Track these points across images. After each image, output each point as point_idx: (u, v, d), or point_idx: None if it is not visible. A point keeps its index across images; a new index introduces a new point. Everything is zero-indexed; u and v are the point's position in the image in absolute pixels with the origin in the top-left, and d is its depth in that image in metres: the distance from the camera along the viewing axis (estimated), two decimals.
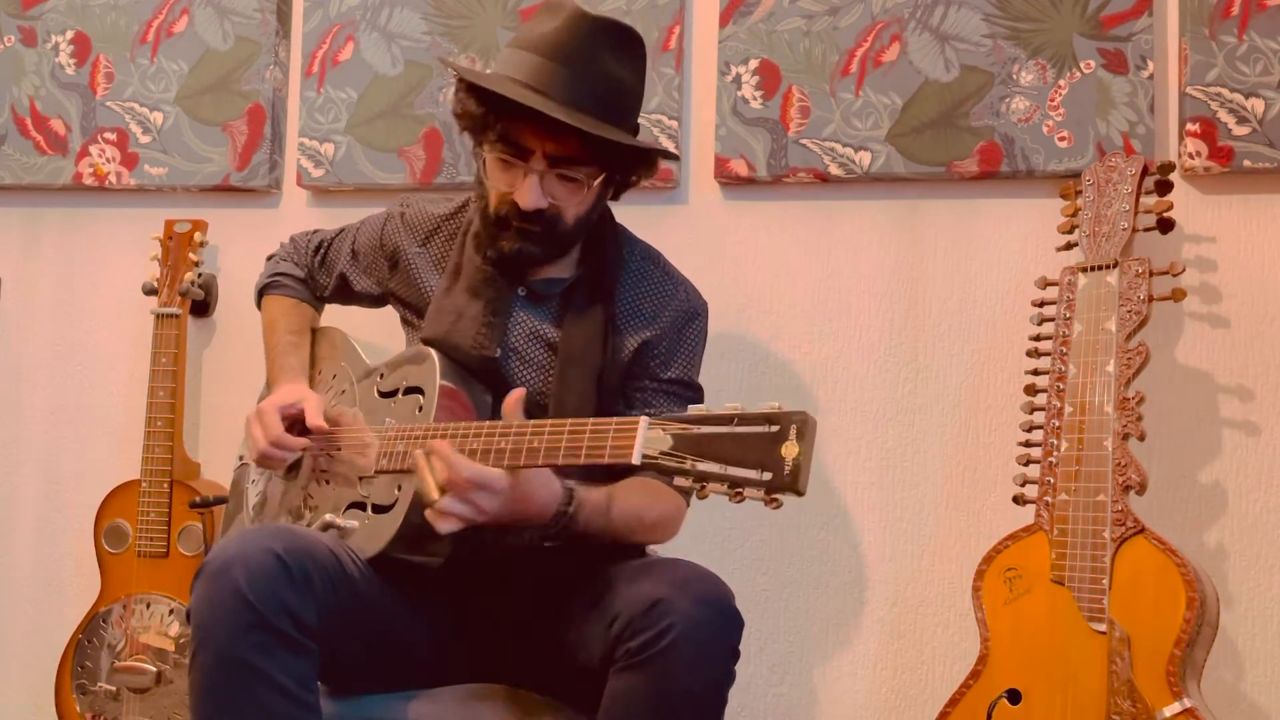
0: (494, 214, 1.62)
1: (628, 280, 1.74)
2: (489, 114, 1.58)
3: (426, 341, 1.66)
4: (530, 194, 1.57)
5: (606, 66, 1.58)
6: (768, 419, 1.23)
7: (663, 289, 1.75)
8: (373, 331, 1.99)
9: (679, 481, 1.27)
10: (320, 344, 1.88)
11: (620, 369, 1.69)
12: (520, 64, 1.58)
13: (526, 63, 1.57)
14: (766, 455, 1.22)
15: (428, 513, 1.40)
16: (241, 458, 1.91)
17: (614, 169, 1.63)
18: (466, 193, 1.81)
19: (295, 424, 1.68)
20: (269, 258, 1.98)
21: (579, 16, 1.58)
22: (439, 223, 1.79)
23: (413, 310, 1.78)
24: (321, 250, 1.92)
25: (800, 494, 1.21)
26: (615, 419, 1.34)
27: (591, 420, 1.37)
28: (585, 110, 1.54)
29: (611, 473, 1.62)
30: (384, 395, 1.66)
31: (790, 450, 1.21)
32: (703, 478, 1.25)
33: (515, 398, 1.43)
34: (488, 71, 1.64)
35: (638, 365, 1.71)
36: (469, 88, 1.61)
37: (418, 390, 1.61)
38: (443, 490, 1.38)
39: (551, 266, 1.71)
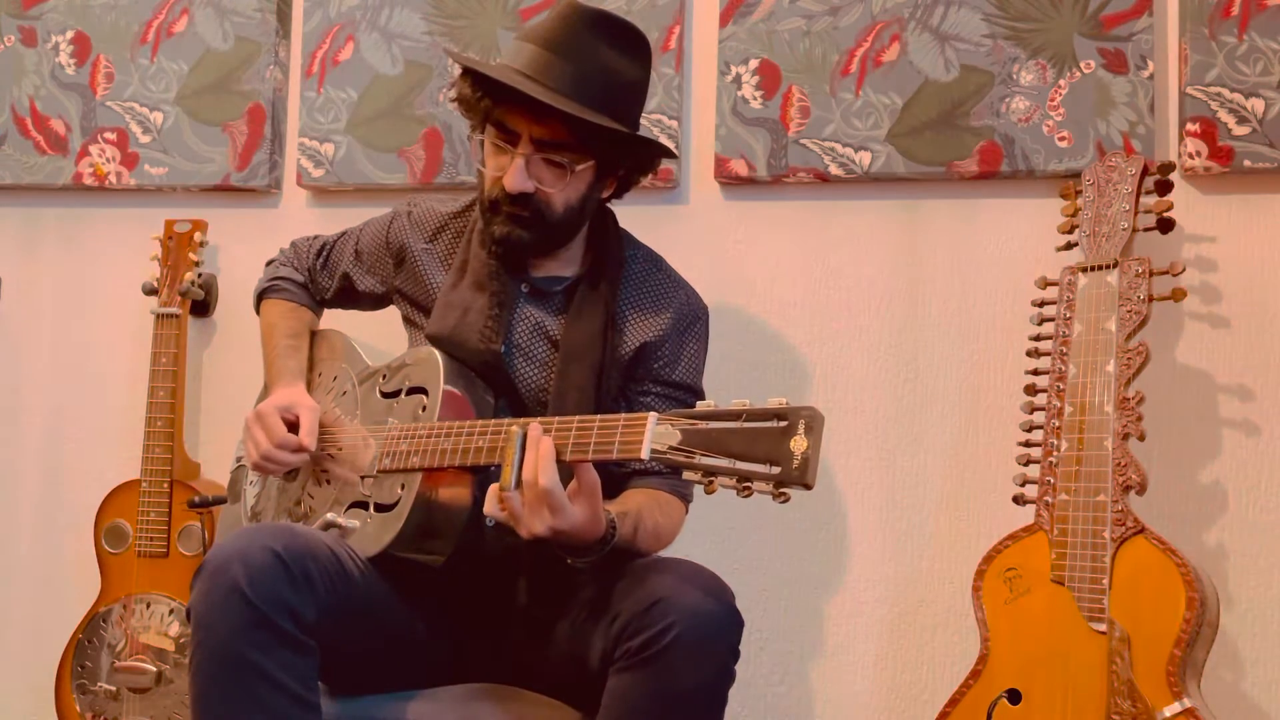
0: (487, 199, 1.65)
1: (630, 280, 1.75)
2: (480, 97, 1.62)
3: (432, 337, 1.67)
4: (515, 176, 1.60)
5: (601, 57, 1.60)
6: (776, 414, 1.24)
7: (664, 291, 1.76)
8: (373, 334, 1.99)
9: (688, 475, 1.28)
10: (319, 346, 1.88)
11: (620, 367, 1.70)
12: (518, 53, 1.62)
13: (523, 52, 1.62)
14: (775, 449, 1.23)
15: (491, 488, 1.39)
16: (239, 459, 1.90)
17: (603, 158, 1.65)
18: (473, 193, 1.82)
19: (294, 429, 1.67)
20: (268, 263, 1.99)
21: (573, 7, 1.62)
22: (446, 220, 1.80)
23: (418, 307, 1.78)
24: (324, 252, 1.92)
25: (809, 487, 1.23)
26: (623, 414, 1.35)
27: (599, 416, 1.38)
28: (574, 97, 1.57)
29: (618, 468, 1.63)
30: (386, 396, 1.67)
31: (799, 444, 1.22)
32: (711, 472, 1.26)
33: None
34: (493, 63, 1.68)
35: (640, 367, 1.71)
36: (464, 73, 1.66)
37: (421, 390, 1.61)
38: (517, 483, 1.37)
39: (554, 263, 1.72)
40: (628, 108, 1.66)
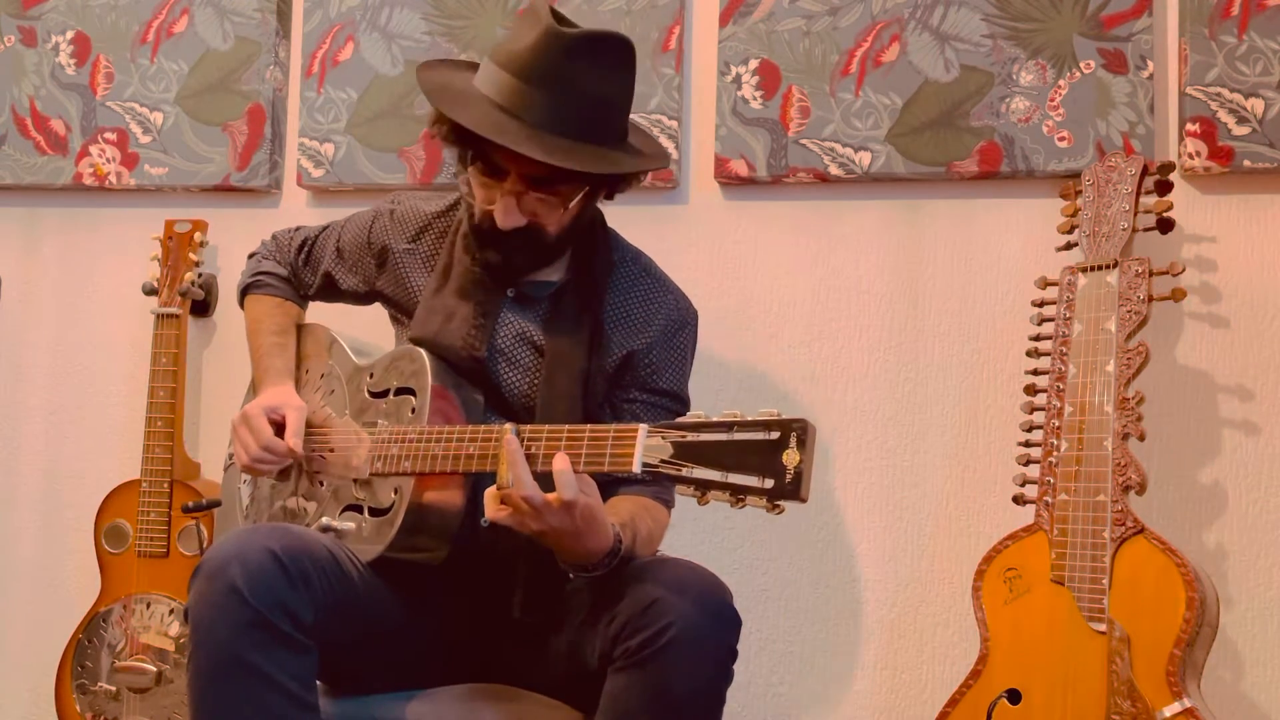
0: (478, 224, 1.62)
1: (618, 285, 1.72)
2: (461, 139, 1.57)
3: (415, 341, 1.65)
4: (507, 215, 1.57)
5: (583, 85, 1.53)
6: (766, 426, 1.24)
7: (652, 296, 1.74)
8: (360, 328, 1.99)
9: (680, 489, 1.27)
10: (306, 342, 1.86)
11: (606, 375, 1.68)
12: (496, 84, 1.55)
13: (502, 84, 1.54)
14: (767, 462, 1.22)
15: (488, 491, 1.39)
16: (231, 458, 1.90)
17: (595, 184, 1.61)
18: (461, 192, 1.80)
19: (281, 429, 1.67)
20: (250, 255, 1.96)
21: (552, 35, 1.51)
22: (430, 220, 1.78)
23: (400, 309, 1.77)
24: (305, 248, 1.90)
25: (803, 501, 1.22)
26: (614, 426, 1.34)
27: (589, 427, 1.37)
28: (560, 132, 1.51)
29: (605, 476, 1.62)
30: (374, 395, 1.66)
31: (792, 458, 1.21)
32: (705, 485, 1.25)
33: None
34: (473, 80, 1.62)
35: (627, 374, 1.70)
36: (440, 117, 1.58)
37: (409, 391, 1.60)
38: (513, 481, 1.37)
39: (540, 269, 1.70)
40: (613, 126, 1.61)
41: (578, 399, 1.62)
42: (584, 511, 1.37)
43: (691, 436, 1.27)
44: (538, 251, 1.63)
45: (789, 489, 1.21)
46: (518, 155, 1.51)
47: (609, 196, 1.71)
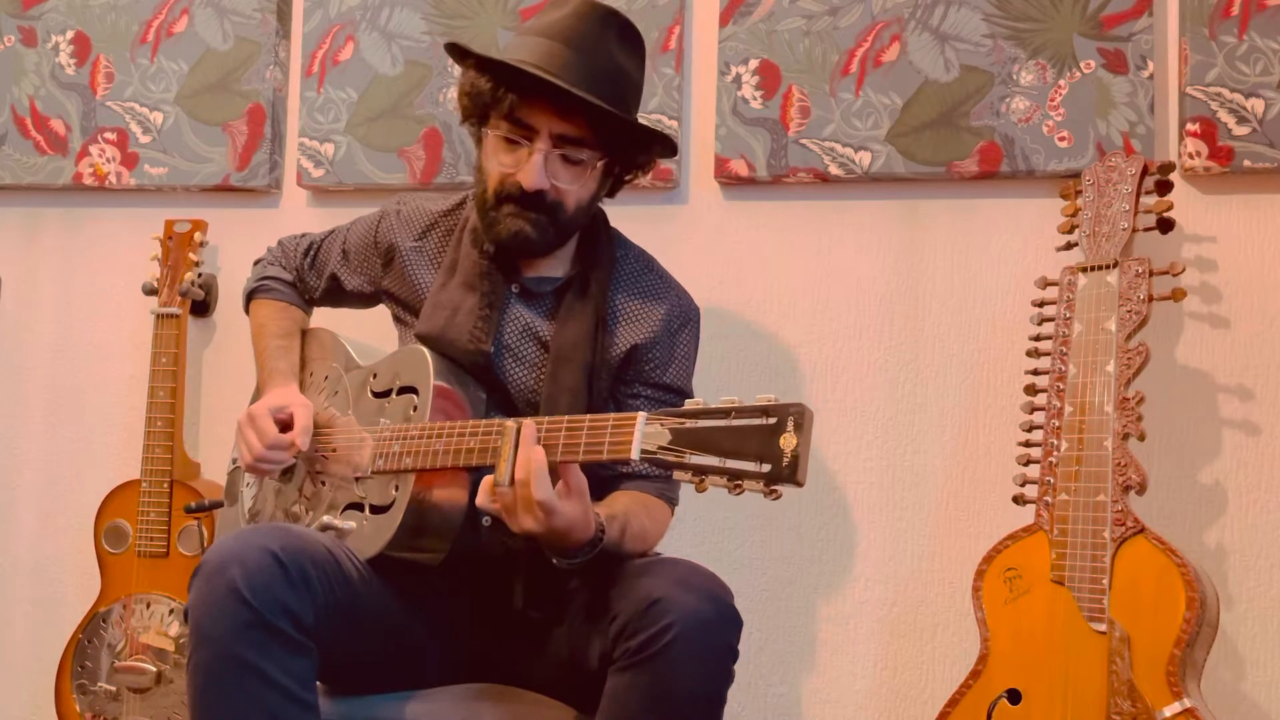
0: (494, 195, 1.62)
1: (621, 281, 1.74)
2: (500, 90, 1.58)
3: (421, 337, 1.66)
4: (534, 173, 1.58)
5: (613, 54, 1.61)
6: (764, 411, 1.24)
7: (655, 292, 1.75)
8: (363, 332, 1.98)
9: (678, 475, 1.28)
10: (310, 345, 1.87)
11: (610, 369, 1.69)
12: (531, 48, 1.59)
13: (537, 47, 1.59)
14: (765, 447, 1.22)
15: (484, 480, 1.40)
16: (235, 460, 1.90)
17: (616, 155, 1.64)
18: (464, 191, 1.81)
19: (287, 428, 1.67)
20: (256, 262, 1.98)
21: (588, 4, 1.61)
22: (436, 218, 1.79)
23: (406, 308, 1.77)
24: (311, 252, 1.91)
25: (800, 484, 1.22)
26: (612, 415, 1.35)
27: (588, 416, 1.37)
28: (592, 93, 1.56)
29: (606, 470, 1.62)
30: (377, 395, 1.66)
31: (789, 441, 1.22)
32: (701, 471, 1.26)
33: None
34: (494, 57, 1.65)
35: (631, 369, 1.71)
36: (480, 65, 1.62)
37: (411, 390, 1.61)
38: (511, 479, 1.37)
39: (545, 264, 1.71)
40: (635, 104, 1.67)
41: (582, 394, 1.62)
42: (564, 520, 1.37)
43: (690, 423, 1.27)
44: (552, 226, 1.63)
45: (786, 473, 1.21)
46: (550, 112, 1.57)
47: (612, 191, 1.72)
